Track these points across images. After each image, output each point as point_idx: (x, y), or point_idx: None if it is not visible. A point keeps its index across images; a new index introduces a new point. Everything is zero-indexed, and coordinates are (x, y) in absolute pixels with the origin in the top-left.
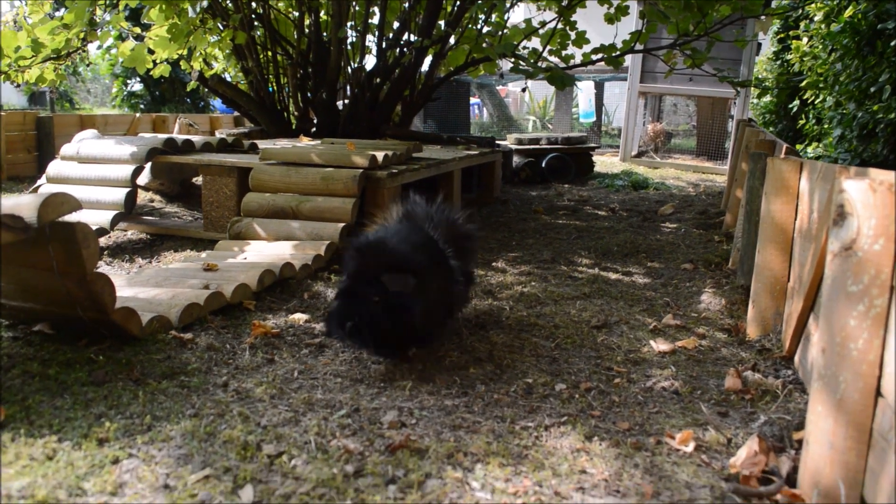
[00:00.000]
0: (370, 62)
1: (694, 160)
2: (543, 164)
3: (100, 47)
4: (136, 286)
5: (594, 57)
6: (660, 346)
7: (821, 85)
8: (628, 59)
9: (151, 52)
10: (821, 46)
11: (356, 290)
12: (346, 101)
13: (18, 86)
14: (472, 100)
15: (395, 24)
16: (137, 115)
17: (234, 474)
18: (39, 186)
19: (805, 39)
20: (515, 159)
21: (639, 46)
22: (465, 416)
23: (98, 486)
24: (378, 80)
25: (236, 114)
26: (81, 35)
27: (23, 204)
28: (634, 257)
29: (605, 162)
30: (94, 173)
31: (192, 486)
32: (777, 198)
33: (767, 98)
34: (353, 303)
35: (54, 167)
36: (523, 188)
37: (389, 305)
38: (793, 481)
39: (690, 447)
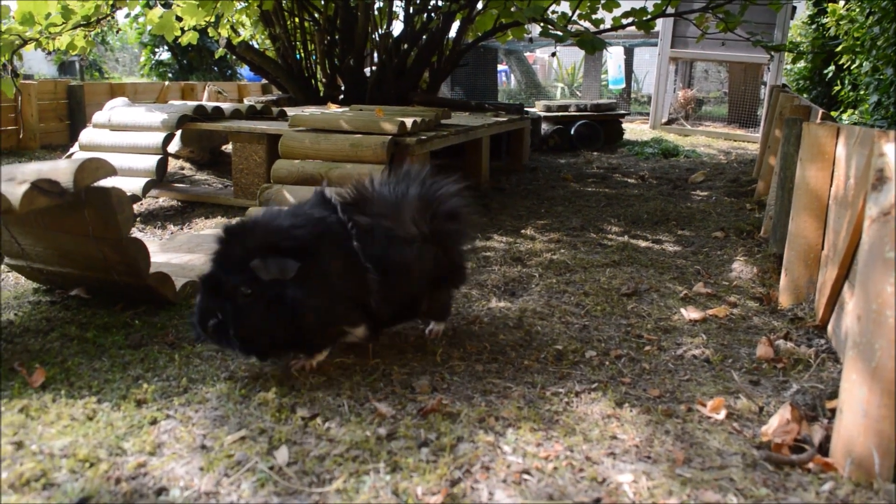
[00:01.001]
0: (397, 28)
1: (725, 127)
2: (572, 132)
3: (128, 15)
4: (168, 252)
5: (624, 21)
6: (690, 314)
7: (857, 49)
8: (659, 24)
9: (179, 19)
10: (858, 9)
11: (223, 279)
12: (374, 68)
13: (49, 53)
14: (500, 67)
15: None
16: (166, 83)
17: (270, 435)
18: (72, 154)
19: (842, 2)
20: (544, 126)
21: (670, 10)
22: (496, 382)
23: (137, 445)
24: (405, 46)
25: (264, 81)
26: (111, 2)
27: (59, 169)
28: (665, 225)
29: (635, 129)
30: (126, 141)
31: (229, 446)
32: (812, 164)
33: (801, 63)
34: (215, 296)
35: (86, 135)
36: (552, 156)
37: (265, 299)
38: (825, 450)
39: (722, 415)
